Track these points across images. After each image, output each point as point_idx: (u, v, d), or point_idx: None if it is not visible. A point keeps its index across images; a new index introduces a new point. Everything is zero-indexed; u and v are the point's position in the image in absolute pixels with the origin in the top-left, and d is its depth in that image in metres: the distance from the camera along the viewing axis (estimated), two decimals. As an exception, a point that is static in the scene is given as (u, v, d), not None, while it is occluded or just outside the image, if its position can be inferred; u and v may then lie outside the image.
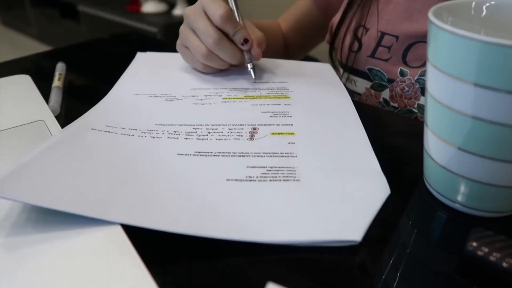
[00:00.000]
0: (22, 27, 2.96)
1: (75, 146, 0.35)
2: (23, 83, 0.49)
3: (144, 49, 0.58)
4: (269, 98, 0.45)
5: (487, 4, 0.31)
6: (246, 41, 0.46)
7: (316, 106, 0.43)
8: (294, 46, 0.72)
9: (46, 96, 0.46)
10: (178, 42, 0.50)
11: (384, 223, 0.28)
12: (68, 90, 0.46)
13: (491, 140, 0.25)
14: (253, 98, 0.45)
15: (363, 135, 0.38)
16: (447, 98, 0.26)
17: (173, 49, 0.55)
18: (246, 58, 0.48)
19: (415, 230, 0.28)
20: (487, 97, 0.24)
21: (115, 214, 0.28)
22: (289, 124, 0.40)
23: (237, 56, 0.47)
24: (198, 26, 0.45)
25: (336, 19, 0.60)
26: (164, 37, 1.85)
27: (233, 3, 0.48)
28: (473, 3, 0.31)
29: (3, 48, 2.53)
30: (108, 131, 0.38)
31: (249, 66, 0.48)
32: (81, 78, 0.47)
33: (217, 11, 0.44)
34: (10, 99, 0.46)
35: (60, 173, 0.31)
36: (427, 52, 0.28)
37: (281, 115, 0.41)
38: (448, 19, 0.29)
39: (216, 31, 0.44)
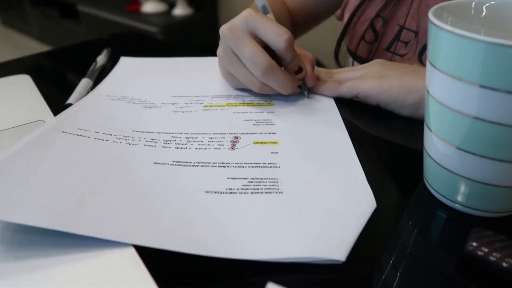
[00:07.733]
0: (22, 27, 2.96)
1: (43, 150, 0.33)
2: (23, 83, 0.49)
3: (143, 49, 0.58)
4: (252, 105, 0.43)
5: (487, 4, 0.31)
6: (300, 69, 0.41)
7: (301, 113, 0.42)
8: (300, 20, 0.67)
9: (46, 96, 0.46)
10: (220, 69, 0.46)
11: (384, 223, 0.28)
12: (68, 90, 0.46)
13: (491, 140, 0.25)
14: (235, 105, 0.43)
15: (348, 143, 0.36)
16: (447, 98, 0.26)
17: (173, 50, 0.55)
18: (302, 86, 0.44)
19: (415, 230, 0.28)
20: (487, 97, 0.24)
21: (84, 227, 0.26)
22: (272, 133, 0.38)
23: (289, 86, 0.41)
24: (243, 53, 0.38)
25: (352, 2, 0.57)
26: (164, 37, 1.85)
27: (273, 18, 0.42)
28: (473, 3, 0.31)
29: (3, 48, 2.53)
30: (80, 135, 0.36)
31: (306, 94, 0.44)
32: (82, 78, 0.47)
33: (280, 35, 0.37)
34: (10, 99, 0.46)
35: (26, 182, 0.29)
36: (427, 52, 0.28)
37: (264, 123, 0.40)
38: (448, 19, 0.29)
39: (266, 59, 0.38)
